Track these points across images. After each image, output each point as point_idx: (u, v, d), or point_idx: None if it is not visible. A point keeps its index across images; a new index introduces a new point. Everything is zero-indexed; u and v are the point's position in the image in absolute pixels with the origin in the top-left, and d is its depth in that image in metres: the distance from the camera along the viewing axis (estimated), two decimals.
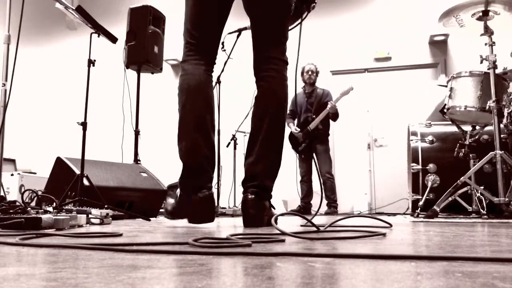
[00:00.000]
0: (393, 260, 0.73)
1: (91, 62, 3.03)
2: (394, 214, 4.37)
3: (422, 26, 6.53)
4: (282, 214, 1.70)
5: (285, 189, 5.43)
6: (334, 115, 5.20)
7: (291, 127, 5.19)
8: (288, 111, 5.23)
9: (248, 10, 2.04)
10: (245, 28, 3.78)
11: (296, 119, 5.32)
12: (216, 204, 4.19)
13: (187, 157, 1.92)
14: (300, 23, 2.10)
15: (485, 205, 2.78)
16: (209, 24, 2.01)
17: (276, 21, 2.03)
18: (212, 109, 1.99)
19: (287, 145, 2.12)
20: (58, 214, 1.68)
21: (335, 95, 5.18)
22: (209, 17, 2.01)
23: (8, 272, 0.61)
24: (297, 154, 5.33)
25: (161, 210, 3.58)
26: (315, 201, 5.34)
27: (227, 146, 5.00)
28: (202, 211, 1.89)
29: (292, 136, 5.19)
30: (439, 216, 2.85)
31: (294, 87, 2.31)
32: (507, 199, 2.71)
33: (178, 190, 1.99)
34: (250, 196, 1.91)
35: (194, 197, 1.88)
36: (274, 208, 2.01)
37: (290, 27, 2.15)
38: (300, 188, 5.33)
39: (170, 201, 2.09)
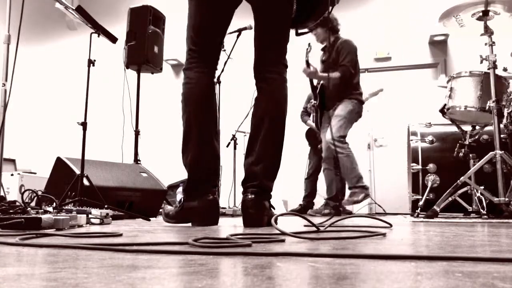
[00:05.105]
0: (393, 260, 0.73)
1: (91, 62, 3.03)
2: (394, 214, 4.36)
3: (422, 26, 6.52)
4: (282, 214, 1.71)
5: (285, 189, 5.42)
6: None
7: (310, 124, 4.96)
8: (302, 109, 5.15)
9: (255, 13, 2.05)
10: (245, 28, 3.78)
11: (311, 116, 5.13)
12: (220, 207, 4.07)
13: (192, 168, 1.97)
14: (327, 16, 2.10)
15: (485, 205, 2.78)
16: (213, 31, 2.03)
17: (281, 25, 2.05)
18: (215, 117, 2.04)
19: (287, 145, 2.12)
20: (58, 214, 1.68)
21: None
22: (213, 24, 2.03)
23: (8, 272, 0.60)
24: (310, 150, 5.12)
25: (161, 210, 3.57)
26: (316, 201, 5.30)
27: (227, 146, 4.98)
28: (206, 214, 1.93)
29: (309, 133, 5.05)
30: (439, 216, 2.85)
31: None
32: (507, 199, 2.71)
33: (178, 195, 2.01)
34: (250, 196, 1.91)
35: (198, 200, 1.93)
36: (274, 208, 2.02)
37: (310, 27, 2.15)
38: (304, 185, 5.15)
39: (169, 206, 2.14)
